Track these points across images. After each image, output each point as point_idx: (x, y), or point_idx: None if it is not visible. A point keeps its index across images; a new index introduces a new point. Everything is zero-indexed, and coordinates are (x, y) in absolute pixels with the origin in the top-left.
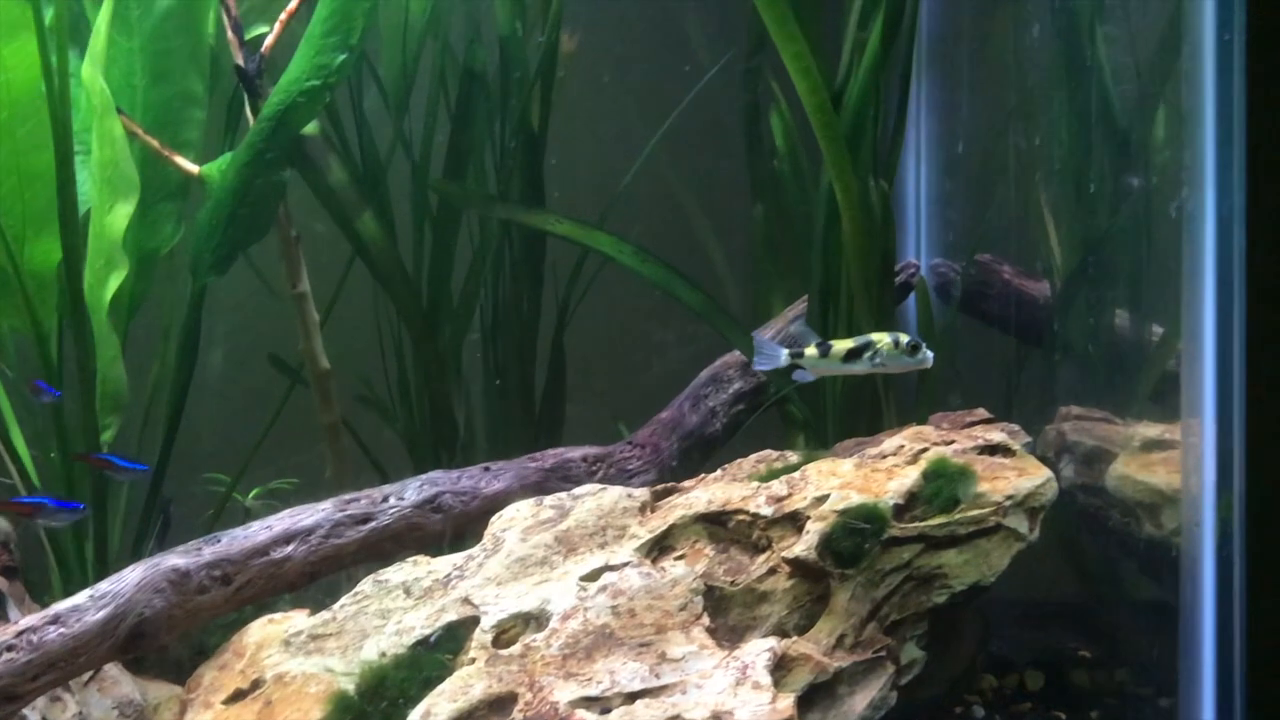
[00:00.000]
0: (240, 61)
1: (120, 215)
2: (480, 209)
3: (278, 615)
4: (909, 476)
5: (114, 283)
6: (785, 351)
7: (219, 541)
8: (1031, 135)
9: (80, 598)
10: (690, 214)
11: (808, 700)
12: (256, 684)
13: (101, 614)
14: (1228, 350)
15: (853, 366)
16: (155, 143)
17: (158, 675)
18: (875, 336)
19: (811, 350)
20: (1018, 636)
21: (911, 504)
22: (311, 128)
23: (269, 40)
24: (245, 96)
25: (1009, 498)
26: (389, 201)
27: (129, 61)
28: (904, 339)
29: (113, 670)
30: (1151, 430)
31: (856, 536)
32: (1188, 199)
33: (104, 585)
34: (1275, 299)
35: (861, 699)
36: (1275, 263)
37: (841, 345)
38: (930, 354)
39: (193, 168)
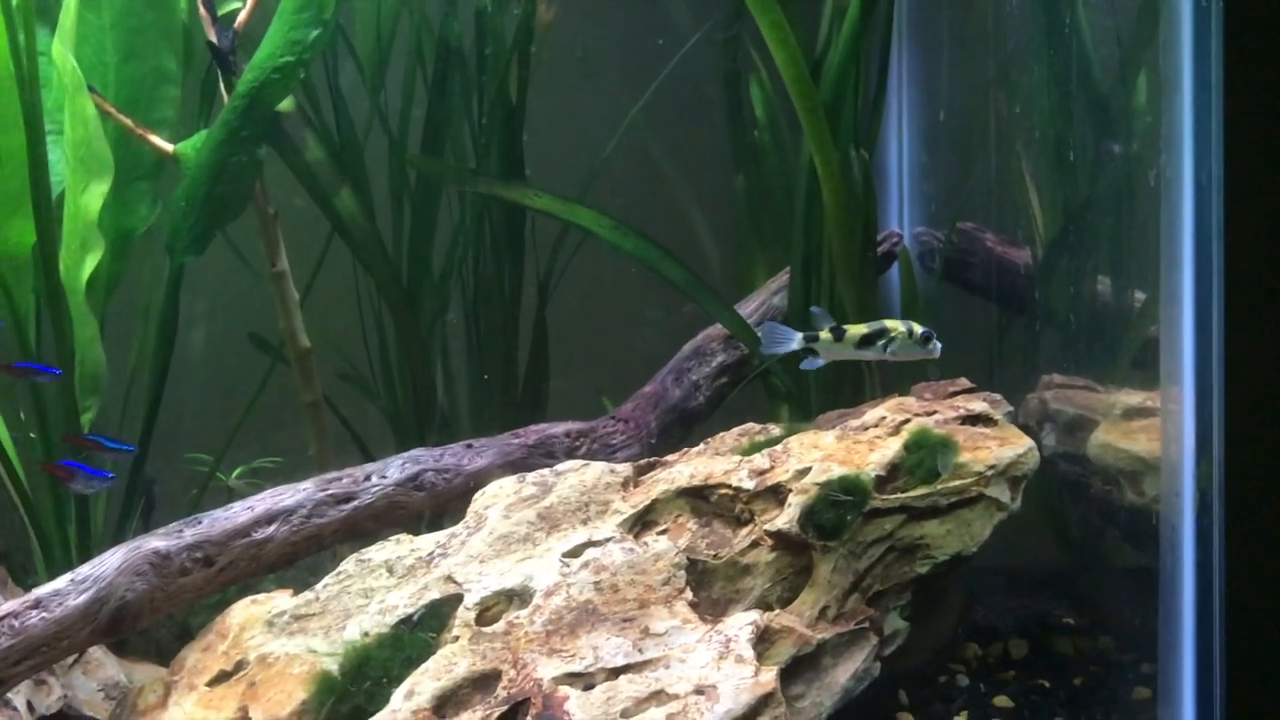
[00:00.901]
0: (213, 38)
1: (95, 195)
2: (457, 184)
3: (261, 596)
4: (891, 448)
5: (90, 263)
6: (799, 335)
7: (200, 523)
8: (1013, 101)
9: (61, 582)
10: (673, 186)
11: (791, 672)
12: (240, 665)
13: (83, 598)
14: (1206, 318)
15: (865, 353)
16: (129, 121)
17: (143, 657)
18: (890, 324)
19: (826, 334)
20: (1003, 604)
21: (893, 475)
22: (287, 104)
23: (242, 16)
24: (219, 73)
25: (991, 467)
26: (366, 177)
27: (100, 39)
28: (918, 328)
29: (97, 653)
30: (1133, 398)
31: (838, 508)
32: (1165, 166)
33: (85, 569)
34: (1253, 266)
35: (845, 670)
36: (1253, 230)
37: (855, 330)
38: (939, 345)
39: (167, 146)
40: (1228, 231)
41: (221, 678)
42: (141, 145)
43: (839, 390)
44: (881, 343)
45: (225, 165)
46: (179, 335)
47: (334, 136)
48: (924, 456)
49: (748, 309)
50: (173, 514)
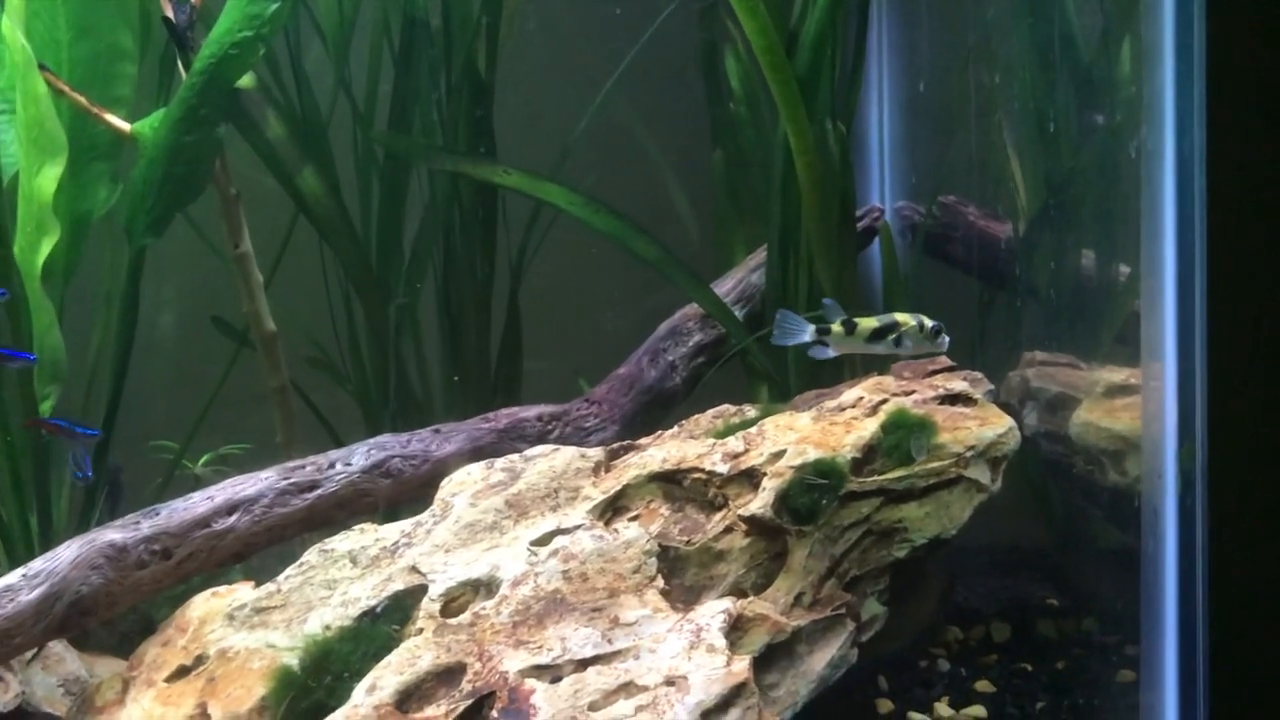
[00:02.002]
0: (169, 13)
1: (48, 177)
2: (424, 161)
3: (222, 588)
4: (867, 429)
5: (46, 247)
6: (811, 327)
7: (158, 514)
8: (994, 71)
9: (13, 577)
10: (653, 160)
11: (765, 661)
12: (200, 660)
13: (36, 593)
14: (1189, 294)
15: (875, 346)
16: (83, 100)
17: (105, 650)
18: (900, 318)
19: (838, 327)
20: (986, 586)
21: (870, 457)
22: (247, 80)
23: None
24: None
25: (970, 448)
26: (330, 155)
27: (52, 15)
28: (928, 322)
29: (57, 647)
30: (1115, 375)
31: (813, 492)
32: (1146, 138)
33: (37, 563)
34: (1237, 241)
35: (821, 658)
36: (1236, 203)
37: (867, 324)
38: (947, 339)
39: (124, 125)
40: (1210, 205)
41: (181, 673)
42: (97, 125)
43: (818, 369)
44: (892, 337)
45: (183, 145)
46: (146, 320)
47: (296, 113)
48: (901, 438)
49: (726, 287)
50: (139, 502)
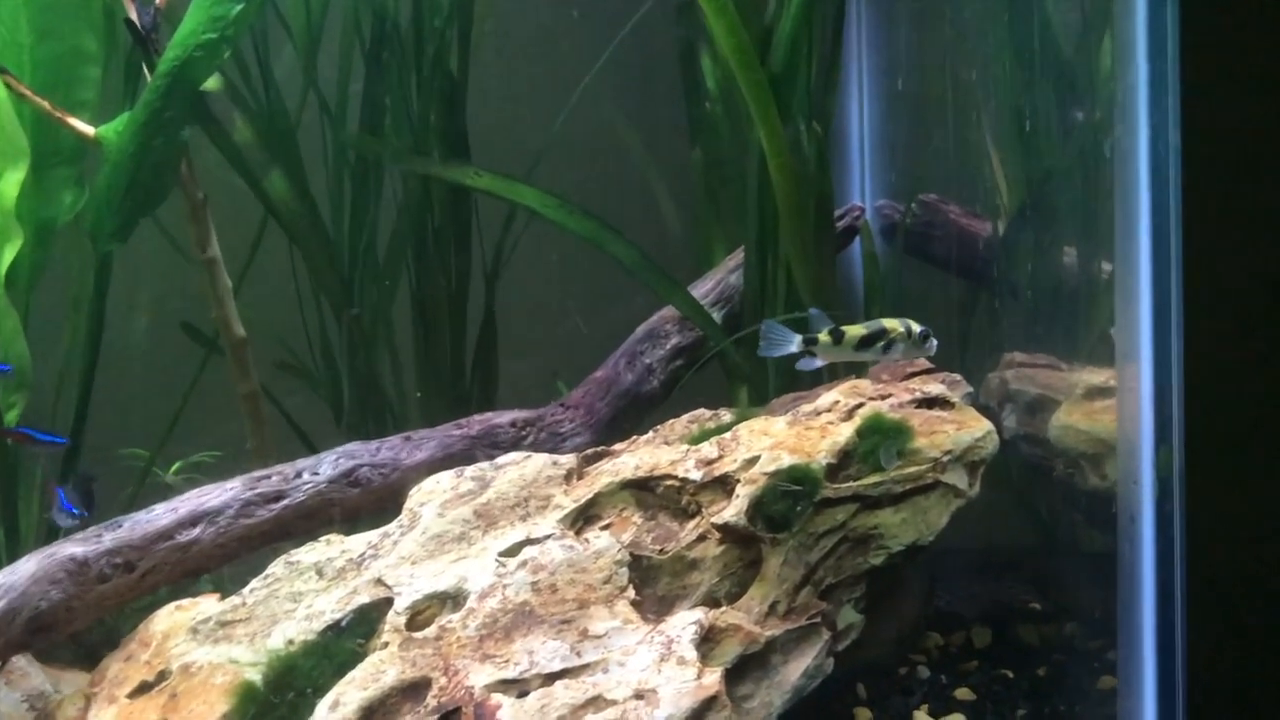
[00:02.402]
0: (132, 15)
1: (10, 182)
2: (394, 163)
3: (186, 601)
4: (843, 434)
5: (9, 254)
6: (798, 338)
7: (120, 527)
8: (973, 68)
9: None
10: (634, 160)
11: (739, 672)
12: (162, 675)
13: None
14: (1164, 295)
15: (863, 354)
16: (46, 104)
17: (72, 665)
18: (888, 324)
19: (825, 337)
20: (967, 590)
21: (845, 463)
22: (213, 83)
23: None
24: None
25: (947, 453)
26: (299, 158)
27: (13, 17)
28: (916, 328)
29: (21, 662)
30: (1095, 377)
31: (788, 499)
32: (1121, 136)
33: None
34: (1212, 241)
35: (796, 668)
36: (1211, 203)
37: (854, 332)
38: (936, 343)
39: (88, 130)
40: (1185, 204)
41: (143, 689)
42: (61, 129)
43: (797, 372)
44: (880, 344)
45: (148, 149)
46: (117, 326)
47: (264, 115)
48: (877, 443)
49: (704, 288)
50: (112, 512)
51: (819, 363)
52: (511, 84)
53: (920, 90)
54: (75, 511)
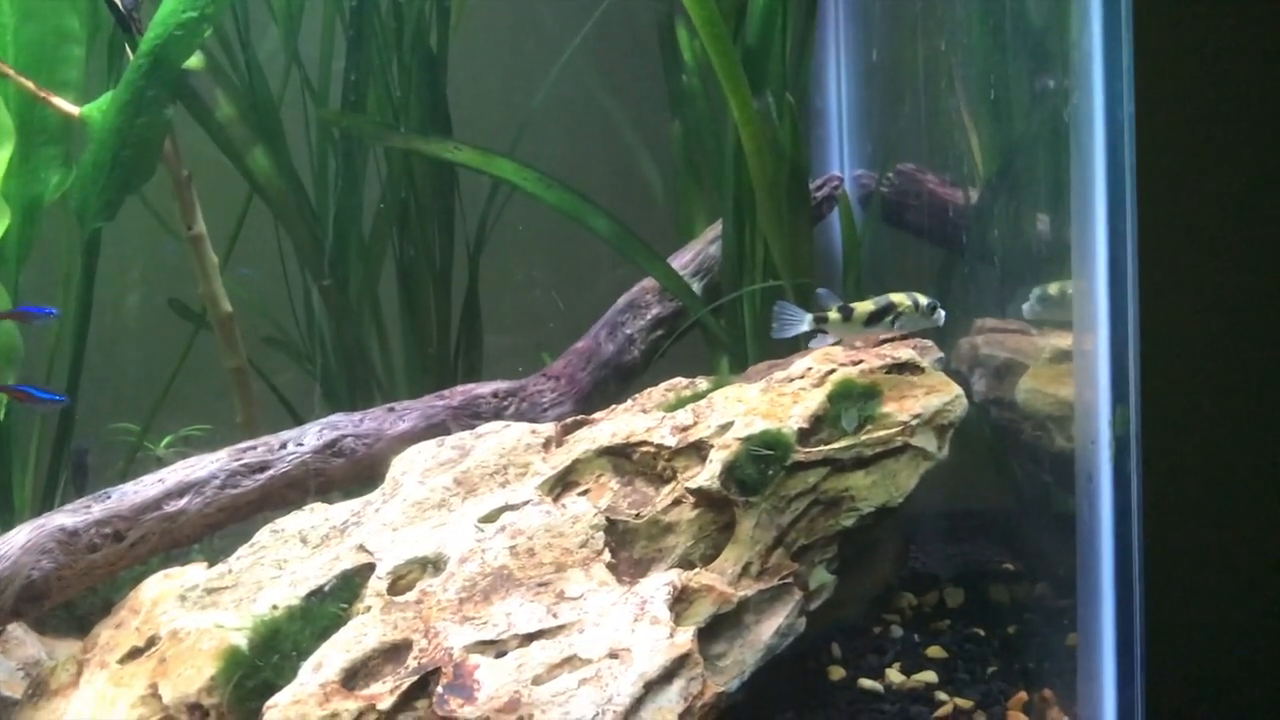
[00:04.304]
0: None
1: None
2: (376, 139)
3: (174, 570)
4: (814, 399)
5: None
6: (809, 316)
7: (109, 498)
8: (944, 37)
9: None
10: (619, 132)
11: (712, 631)
12: (152, 641)
13: None
14: (1120, 258)
15: (874, 329)
16: (30, 84)
17: (66, 633)
18: (895, 298)
19: (835, 314)
20: (942, 551)
21: (817, 427)
22: (195, 61)
23: None
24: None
25: (916, 416)
26: (282, 134)
27: None
28: (923, 300)
29: (17, 631)
30: (1062, 341)
31: (760, 463)
32: (1078, 104)
33: None
34: (1168, 204)
35: (768, 627)
36: (1167, 168)
37: (863, 308)
38: (943, 313)
39: (73, 109)
40: (1139, 171)
41: (133, 654)
42: (46, 109)
43: (775, 341)
44: (889, 318)
45: (132, 127)
46: (110, 302)
47: (247, 93)
48: (848, 407)
49: (684, 259)
50: (104, 485)
51: (829, 340)
52: (497, 58)
53: (895, 60)
54: (54, 398)
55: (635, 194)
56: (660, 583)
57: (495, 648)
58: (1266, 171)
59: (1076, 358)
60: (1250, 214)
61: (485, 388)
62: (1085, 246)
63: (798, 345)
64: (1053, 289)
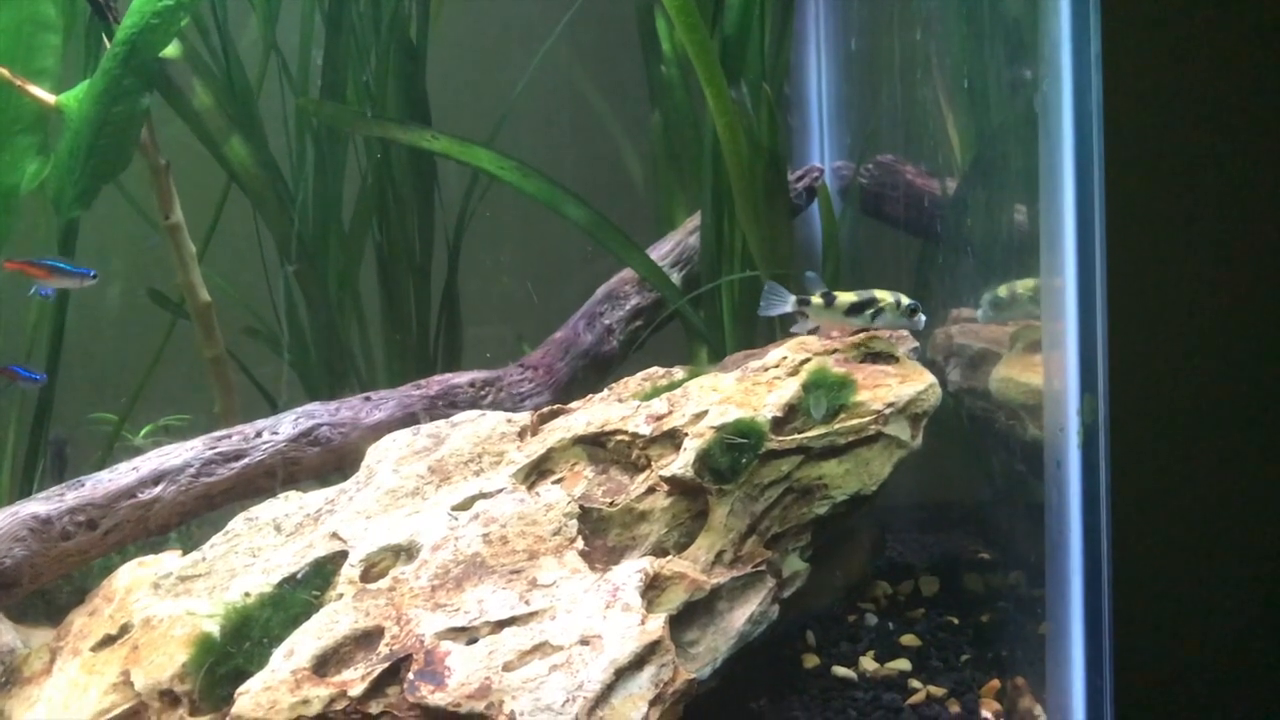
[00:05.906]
0: None
1: None
2: (353, 127)
3: (148, 558)
4: (788, 388)
5: None
6: (793, 298)
7: (82, 486)
8: (921, 27)
9: None
10: (600, 123)
11: (685, 618)
12: (125, 629)
13: None
14: (1089, 245)
15: (852, 320)
16: (6, 72)
17: (42, 622)
18: (879, 294)
19: (817, 299)
20: (918, 540)
21: (791, 416)
22: (172, 50)
23: None
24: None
25: (890, 405)
26: (259, 123)
27: None
28: (905, 300)
29: None
30: (1034, 331)
31: (733, 452)
32: (1048, 91)
33: None
34: (1135, 196)
35: (741, 614)
36: (1134, 153)
37: (845, 298)
38: (924, 317)
39: (49, 97)
40: (1108, 159)
41: (106, 642)
42: (21, 97)
43: (752, 330)
44: (869, 312)
45: (108, 116)
46: (89, 292)
47: (224, 81)
48: (821, 396)
49: (663, 250)
50: (82, 474)
51: (810, 324)
52: (479, 46)
53: (874, 50)
54: (36, 377)
55: (616, 185)
56: (632, 570)
57: (467, 634)
58: (1234, 161)
59: (1045, 346)
60: (1218, 203)
61: (462, 377)
62: (1054, 236)
63: (775, 335)
64: (1003, 292)
